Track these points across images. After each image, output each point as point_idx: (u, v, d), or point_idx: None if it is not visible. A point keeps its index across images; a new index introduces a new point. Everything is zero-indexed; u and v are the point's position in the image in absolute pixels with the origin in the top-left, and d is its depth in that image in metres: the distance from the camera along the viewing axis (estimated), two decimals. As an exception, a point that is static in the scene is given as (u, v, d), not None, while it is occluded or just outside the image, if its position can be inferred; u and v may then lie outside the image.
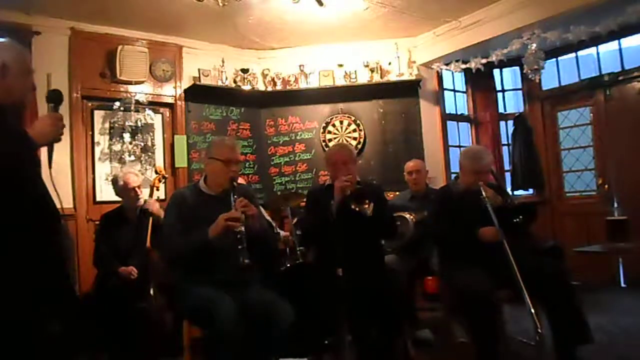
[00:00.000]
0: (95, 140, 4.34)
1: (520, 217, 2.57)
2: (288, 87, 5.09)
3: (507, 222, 2.48)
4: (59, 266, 1.61)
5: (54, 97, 1.78)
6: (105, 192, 4.23)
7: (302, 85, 5.10)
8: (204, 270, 2.34)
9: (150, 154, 4.54)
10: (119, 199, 3.43)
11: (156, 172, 3.57)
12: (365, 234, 2.70)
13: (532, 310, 2.07)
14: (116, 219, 3.31)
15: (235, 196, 2.36)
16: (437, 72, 5.25)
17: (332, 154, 2.91)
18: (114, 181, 3.39)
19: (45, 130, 1.64)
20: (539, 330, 2.07)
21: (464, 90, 5.71)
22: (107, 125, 4.40)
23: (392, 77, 5.04)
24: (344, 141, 4.99)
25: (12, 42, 1.73)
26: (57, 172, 1.64)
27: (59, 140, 1.71)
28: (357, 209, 2.50)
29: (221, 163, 2.44)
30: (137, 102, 4.41)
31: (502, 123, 5.60)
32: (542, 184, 5.32)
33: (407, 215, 3.40)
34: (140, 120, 4.45)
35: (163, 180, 3.55)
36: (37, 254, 1.45)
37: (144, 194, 3.40)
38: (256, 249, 2.34)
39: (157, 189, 3.41)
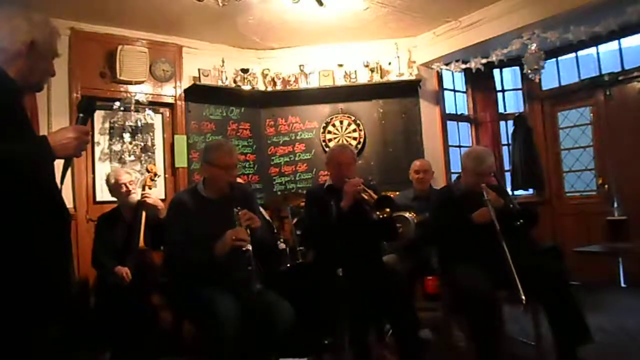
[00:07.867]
0: (95, 140, 4.34)
1: (522, 220, 2.58)
2: (288, 87, 5.09)
3: (508, 224, 2.49)
4: (65, 266, 1.58)
5: (86, 107, 1.57)
6: (105, 192, 4.18)
7: (302, 85, 5.09)
8: (206, 274, 2.33)
9: (150, 154, 4.54)
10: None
11: (147, 171, 3.53)
12: (365, 235, 2.69)
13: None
14: (111, 219, 3.30)
15: (238, 207, 2.32)
16: (437, 72, 5.25)
17: (336, 155, 2.88)
18: (107, 180, 3.37)
19: (67, 144, 1.42)
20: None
21: (464, 90, 5.71)
22: (107, 125, 4.40)
23: (392, 77, 5.03)
24: (344, 141, 4.99)
25: (48, 18, 1.57)
26: (57, 171, 1.58)
27: (79, 156, 1.51)
28: (381, 216, 2.50)
29: (220, 169, 2.42)
30: (137, 102, 4.41)
31: (502, 123, 5.59)
32: (542, 184, 5.31)
33: (409, 215, 3.38)
34: (140, 120, 4.45)
35: (155, 179, 3.51)
36: (43, 252, 1.43)
37: (138, 193, 3.36)
38: (260, 253, 2.34)
39: (150, 188, 3.37)
